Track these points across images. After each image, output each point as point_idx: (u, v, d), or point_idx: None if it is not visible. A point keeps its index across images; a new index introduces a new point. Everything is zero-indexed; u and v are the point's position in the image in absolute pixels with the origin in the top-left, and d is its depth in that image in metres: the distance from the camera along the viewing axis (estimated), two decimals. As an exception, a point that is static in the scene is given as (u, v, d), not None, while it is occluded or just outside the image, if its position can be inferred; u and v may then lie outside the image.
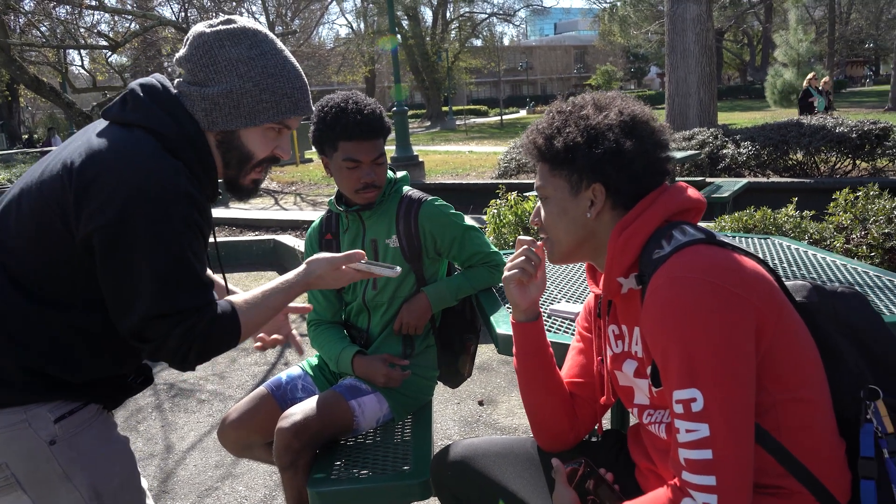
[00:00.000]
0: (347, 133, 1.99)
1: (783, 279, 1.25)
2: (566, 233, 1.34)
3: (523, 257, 1.44)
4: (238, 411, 2.11)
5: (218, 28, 1.37)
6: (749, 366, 1.09)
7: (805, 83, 13.95)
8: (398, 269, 1.57)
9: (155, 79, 1.40)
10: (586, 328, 1.53)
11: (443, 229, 2.14)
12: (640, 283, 1.23)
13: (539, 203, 1.40)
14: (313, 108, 1.49)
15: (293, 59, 1.44)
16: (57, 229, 1.26)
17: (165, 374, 4.16)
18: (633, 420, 1.45)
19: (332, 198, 2.21)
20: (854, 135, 8.65)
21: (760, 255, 2.40)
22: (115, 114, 1.35)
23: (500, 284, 2.28)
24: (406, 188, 2.21)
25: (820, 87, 13.77)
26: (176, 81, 1.41)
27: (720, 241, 1.19)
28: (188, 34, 1.41)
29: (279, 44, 1.43)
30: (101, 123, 1.37)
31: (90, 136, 1.32)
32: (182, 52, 1.39)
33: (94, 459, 1.37)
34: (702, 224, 1.29)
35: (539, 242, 1.44)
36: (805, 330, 1.19)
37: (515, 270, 1.44)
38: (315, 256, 1.54)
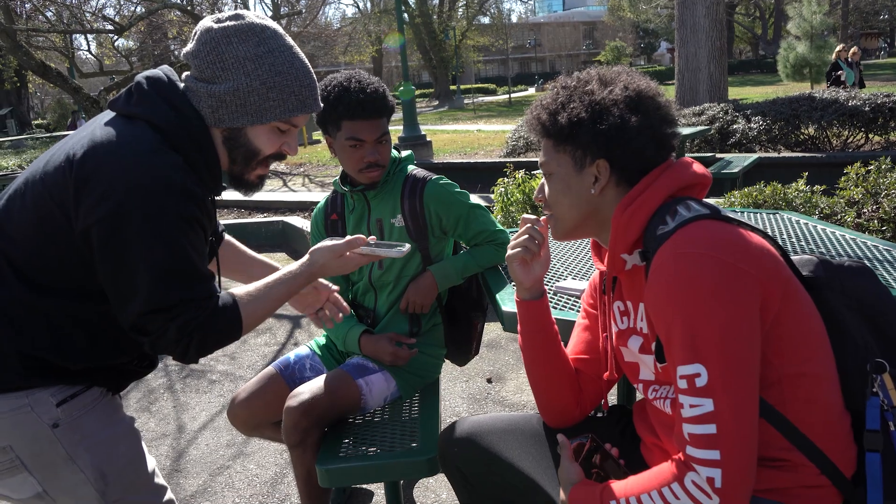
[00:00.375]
0: (350, 112, 1.98)
1: (789, 254, 1.25)
2: (570, 209, 1.32)
3: (526, 235, 1.44)
4: (247, 391, 2.13)
5: (225, 24, 1.36)
6: (753, 340, 1.09)
7: (833, 55, 13.57)
8: (406, 247, 1.57)
9: (162, 71, 1.40)
10: (592, 305, 1.53)
11: (448, 208, 2.13)
12: (645, 260, 1.22)
13: (543, 179, 1.39)
14: (321, 105, 1.48)
15: (302, 56, 1.43)
16: (57, 220, 1.27)
17: (177, 356, 4.20)
18: (638, 396, 1.45)
19: (337, 178, 2.20)
20: (867, 108, 8.53)
21: (769, 231, 2.39)
22: (120, 106, 1.35)
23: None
24: (411, 167, 2.20)
25: (849, 59, 13.31)
26: (184, 75, 1.41)
27: (725, 216, 1.18)
28: (196, 28, 1.40)
29: (288, 39, 1.42)
30: (108, 114, 1.37)
31: (95, 128, 1.32)
32: (190, 47, 1.39)
33: (98, 441, 1.39)
34: (711, 200, 1.28)
35: (543, 220, 1.43)
36: (811, 304, 1.18)
37: (518, 249, 1.44)
38: (317, 246, 1.55)
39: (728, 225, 1.15)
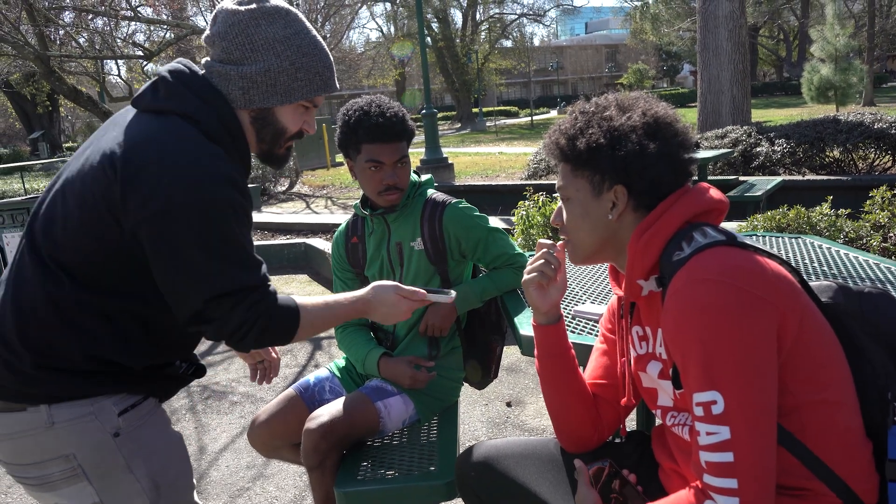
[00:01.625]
0: (370, 135, 2.02)
1: (807, 280, 1.24)
2: (588, 234, 1.33)
3: (542, 260, 1.44)
4: (267, 413, 2.15)
5: (252, 7, 1.39)
6: (770, 367, 1.08)
7: None
8: (452, 294, 1.63)
9: (181, 63, 1.42)
10: (610, 329, 1.53)
11: (467, 231, 2.15)
12: (661, 286, 1.22)
13: (560, 203, 1.39)
14: (338, 86, 1.54)
15: (321, 39, 1.48)
16: (105, 221, 1.28)
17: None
18: (657, 421, 1.44)
19: (358, 202, 2.23)
20: (894, 131, 8.43)
21: (792, 256, 2.37)
22: (147, 102, 1.36)
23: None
24: (430, 191, 2.22)
25: None
26: (204, 61, 1.43)
27: (741, 242, 1.17)
28: (216, 12, 1.43)
29: (308, 23, 1.46)
30: (129, 112, 1.38)
31: (124, 127, 1.33)
32: (212, 29, 1.41)
33: (153, 452, 1.43)
34: (734, 223, 1.29)
35: (559, 244, 1.44)
36: (830, 331, 1.17)
37: (534, 273, 1.44)
38: (383, 283, 1.58)
39: (744, 251, 1.15)
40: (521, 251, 2.21)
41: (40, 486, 1.37)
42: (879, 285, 1.94)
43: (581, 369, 1.54)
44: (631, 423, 2.41)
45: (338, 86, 1.52)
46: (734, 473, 1.06)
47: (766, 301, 1.09)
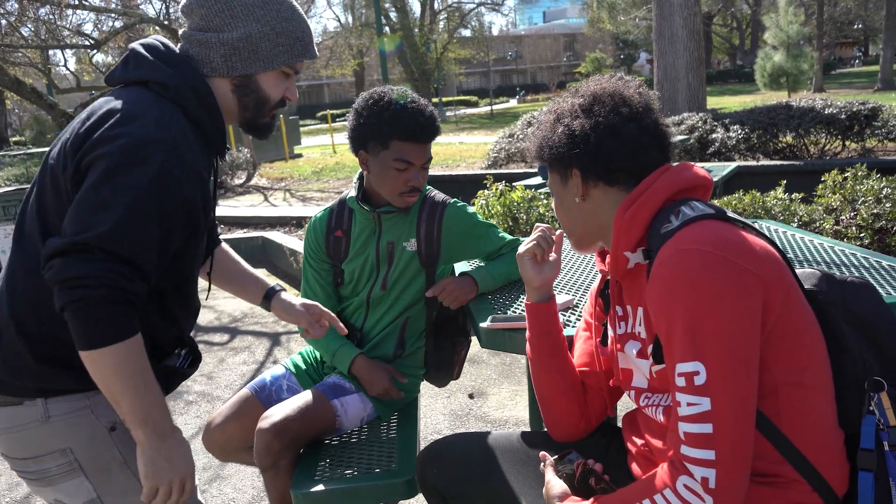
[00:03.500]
0: (407, 133, 1.92)
1: (794, 264, 1.23)
2: (568, 220, 1.38)
3: (539, 233, 1.49)
4: (222, 416, 2.07)
5: None
6: (754, 341, 1.08)
7: None
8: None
9: (155, 39, 1.40)
10: (592, 314, 1.53)
11: (469, 230, 2.11)
12: (648, 258, 1.21)
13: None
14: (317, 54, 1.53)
15: (297, 4, 1.47)
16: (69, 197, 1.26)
17: (154, 376, 4.12)
18: (630, 405, 1.42)
19: (352, 194, 2.12)
20: (843, 116, 8.62)
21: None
22: (118, 76, 1.36)
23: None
24: (427, 188, 2.16)
25: None
26: (181, 32, 1.42)
27: (730, 217, 1.17)
28: None
29: None
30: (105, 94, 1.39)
31: (91, 107, 1.34)
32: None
33: None
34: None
35: (559, 232, 1.51)
36: (812, 315, 1.17)
37: (531, 244, 1.48)
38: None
39: (733, 226, 1.15)
40: (513, 237, 2.19)
41: (40, 480, 1.36)
42: (833, 268, 1.96)
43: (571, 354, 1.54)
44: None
45: (317, 52, 1.52)
46: (712, 445, 1.05)
47: (754, 274, 1.08)
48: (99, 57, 15.63)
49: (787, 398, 1.12)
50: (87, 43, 12.66)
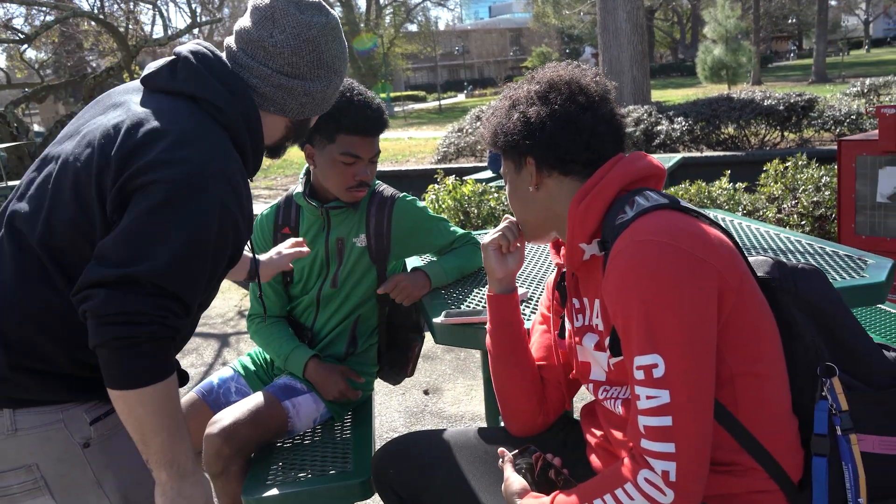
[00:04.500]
0: (354, 127, 1.86)
1: (745, 253, 1.23)
2: (521, 210, 1.36)
3: (506, 224, 1.46)
4: (167, 420, 1.99)
5: (317, 21, 1.33)
6: (711, 332, 1.08)
7: None
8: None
9: (203, 47, 1.33)
10: (549, 307, 1.51)
11: (418, 224, 2.07)
12: (603, 249, 1.20)
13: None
14: None
15: None
16: (93, 206, 1.17)
17: (96, 382, 3.97)
18: (588, 398, 1.41)
19: (298, 190, 2.06)
20: (781, 107, 8.89)
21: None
22: (162, 81, 1.27)
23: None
24: (376, 183, 2.11)
25: None
26: (257, 66, 1.32)
27: (684, 206, 1.17)
28: (275, 12, 1.31)
29: None
30: (133, 93, 1.29)
31: (131, 104, 1.24)
32: (280, 37, 1.30)
33: (125, 464, 1.30)
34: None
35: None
36: (765, 303, 1.18)
37: (496, 235, 1.45)
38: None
39: (687, 216, 1.14)
40: (464, 230, 2.16)
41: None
42: (780, 255, 1.99)
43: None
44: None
45: None
46: (672, 438, 1.05)
47: (709, 264, 1.08)
48: (31, 53, 15.02)
49: (742, 388, 1.12)
50: (17, 38, 12.14)
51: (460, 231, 2.15)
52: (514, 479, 1.29)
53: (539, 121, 1.26)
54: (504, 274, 1.47)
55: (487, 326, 1.52)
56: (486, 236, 1.47)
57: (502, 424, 1.58)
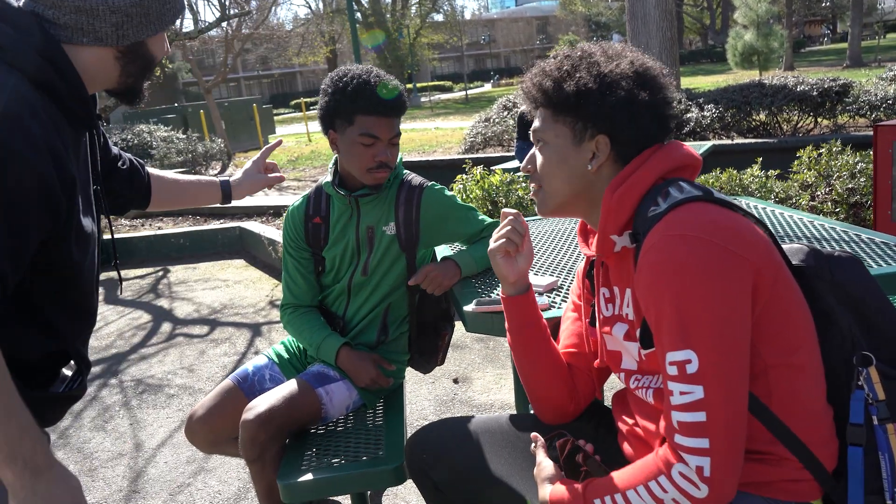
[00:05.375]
0: (371, 107, 1.89)
1: (780, 242, 1.22)
2: (563, 183, 1.28)
3: (508, 227, 1.41)
4: (204, 407, 2.04)
5: None
6: (745, 327, 1.07)
7: None
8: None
9: None
10: (580, 295, 1.50)
11: (448, 211, 2.09)
12: (634, 242, 1.19)
13: (535, 149, 1.33)
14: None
15: None
16: None
17: (133, 371, 4.06)
18: (619, 385, 1.41)
19: (327, 180, 2.09)
20: (815, 93, 8.71)
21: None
22: None
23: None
24: (406, 173, 2.13)
25: None
26: None
27: (717, 198, 1.14)
28: None
29: None
30: None
31: None
32: None
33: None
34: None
35: (523, 221, 1.43)
36: (800, 294, 1.16)
37: (501, 241, 1.41)
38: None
39: (720, 208, 1.12)
40: (492, 219, 2.17)
41: None
42: (815, 242, 1.97)
43: (553, 340, 1.52)
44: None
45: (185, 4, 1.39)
46: (706, 433, 1.04)
47: (743, 258, 1.06)
48: None
49: (777, 379, 1.12)
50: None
51: (489, 220, 2.16)
52: (546, 464, 1.29)
53: (641, 107, 1.21)
54: (516, 276, 1.45)
55: (506, 325, 1.50)
56: (492, 241, 1.43)
57: (532, 411, 1.59)
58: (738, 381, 1.06)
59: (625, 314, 1.28)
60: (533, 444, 1.36)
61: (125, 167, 1.62)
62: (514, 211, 1.42)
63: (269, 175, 1.96)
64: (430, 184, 2.10)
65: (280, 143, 2.16)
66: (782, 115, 9.12)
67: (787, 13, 27.63)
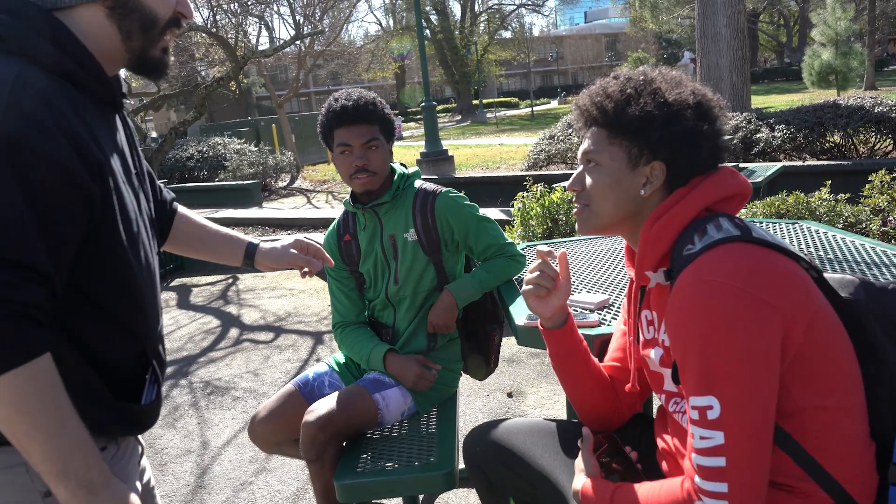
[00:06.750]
0: (338, 119, 2.07)
1: (824, 273, 1.19)
2: (612, 205, 1.27)
3: (538, 272, 1.42)
4: (267, 409, 2.15)
5: None
6: (771, 376, 1.06)
7: None
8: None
9: None
10: (629, 311, 1.51)
11: (459, 220, 2.16)
12: (669, 279, 1.19)
13: (582, 168, 1.32)
14: None
15: None
16: None
17: (202, 373, 4.26)
18: (659, 402, 1.44)
19: (348, 198, 2.23)
20: (894, 114, 8.40)
21: (789, 242, 2.37)
22: None
23: (520, 275, 2.28)
24: (418, 182, 2.23)
25: None
26: None
27: (756, 237, 1.12)
28: None
29: None
30: None
31: None
32: None
33: None
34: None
35: (560, 253, 1.45)
36: (843, 333, 1.14)
37: (531, 286, 1.43)
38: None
39: (756, 249, 1.10)
40: (511, 240, 2.22)
41: None
42: (875, 269, 1.94)
43: (596, 359, 1.56)
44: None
45: None
46: (725, 478, 1.05)
47: (773, 306, 1.05)
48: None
49: (812, 418, 1.10)
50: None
51: (502, 239, 2.20)
52: (587, 459, 1.33)
53: (701, 138, 1.21)
54: (552, 313, 1.46)
55: (547, 350, 1.53)
56: (525, 283, 1.45)
57: None
58: (760, 429, 1.06)
59: (661, 340, 1.28)
60: (580, 440, 1.39)
61: (154, 189, 1.47)
62: (547, 250, 1.44)
63: (303, 256, 1.63)
64: (444, 190, 2.19)
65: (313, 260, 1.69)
66: (858, 136, 8.82)
67: (870, 31, 26.62)
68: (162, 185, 1.50)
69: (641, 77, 1.26)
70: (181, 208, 1.55)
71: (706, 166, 1.23)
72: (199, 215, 1.59)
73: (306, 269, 1.64)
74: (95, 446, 1.02)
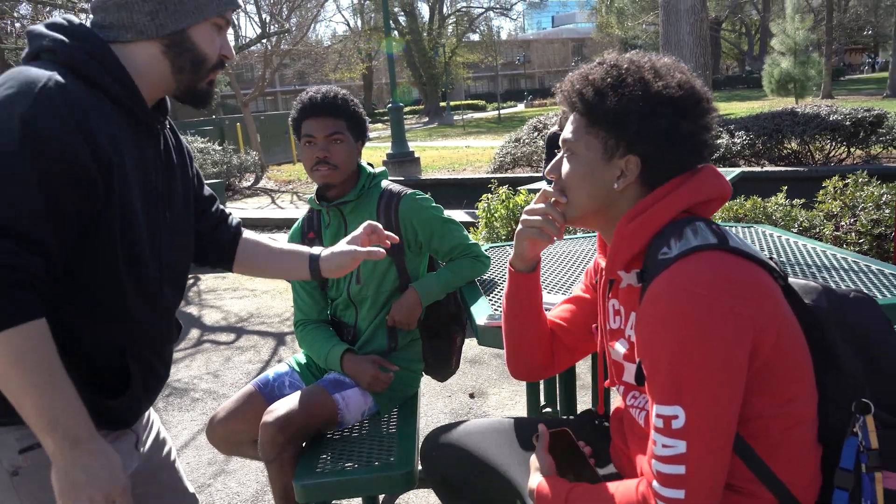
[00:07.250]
0: (305, 111, 2.10)
1: (789, 280, 1.20)
2: (586, 196, 1.23)
3: (540, 217, 1.31)
4: (226, 410, 2.13)
5: None
6: (738, 388, 1.06)
7: None
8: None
9: (61, 17, 1.25)
10: (590, 286, 1.51)
11: (423, 222, 2.16)
12: (641, 282, 1.17)
13: (562, 155, 1.27)
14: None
15: None
16: None
17: (161, 374, 4.19)
18: (616, 399, 1.45)
19: (313, 195, 2.23)
20: (848, 122, 8.65)
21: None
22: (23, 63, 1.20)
23: (485, 276, 2.30)
24: (385, 182, 2.23)
25: None
26: (90, 4, 1.26)
27: (732, 247, 1.10)
28: None
29: None
30: None
31: None
32: None
33: None
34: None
35: (564, 199, 1.29)
36: (803, 342, 1.14)
37: (535, 229, 1.33)
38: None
39: (731, 258, 1.09)
40: (475, 241, 2.23)
41: None
42: (829, 272, 2.00)
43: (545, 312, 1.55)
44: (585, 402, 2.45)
45: (241, 2, 1.41)
46: (683, 485, 1.06)
47: (745, 317, 1.05)
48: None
49: (767, 425, 1.12)
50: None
51: (466, 240, 2.21)
52: (542, 457, 1.32)
53: (681, 134, 1.16)
54: (534, 255, 1.42)
55: (505, 291, 1.50)
56: (526, 216, 1.34)
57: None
58: (722, 440, 1.06)
59: (627, 335, 1.27)
60: (535, 436, 1.39)
61: (216, 212, 1.58)
62: (556, 192, 1.30)
63: (363, 251, 1.58)
64: (409, 192, 2.20)
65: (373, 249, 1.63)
66: (815, 144, 9.06)
67: (827, 41, 27.35)
68: (228, 212, 1.63)
69: (626, 64, 1.20)
70: (246, 232, 1.65)
71: (686, 165, 1.19)
72: (262, 236, 1.68)
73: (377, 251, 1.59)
74: (84, 409, 1.10)
